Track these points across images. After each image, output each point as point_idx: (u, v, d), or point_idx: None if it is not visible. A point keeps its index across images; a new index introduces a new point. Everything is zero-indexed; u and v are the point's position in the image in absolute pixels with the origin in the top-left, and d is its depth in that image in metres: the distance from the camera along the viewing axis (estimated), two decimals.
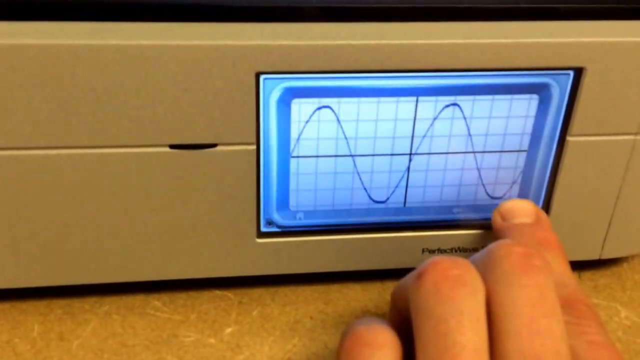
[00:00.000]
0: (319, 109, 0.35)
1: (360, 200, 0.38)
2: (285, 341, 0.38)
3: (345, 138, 0.36)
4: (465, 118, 0.36)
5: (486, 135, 0.37)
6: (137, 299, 0.40)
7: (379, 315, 0.39)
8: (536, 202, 0.39)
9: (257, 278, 0.40)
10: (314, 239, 0.38)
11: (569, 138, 0.36)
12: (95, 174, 0.34)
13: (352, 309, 0.40)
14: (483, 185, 0.38)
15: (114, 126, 0.33)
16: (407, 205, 0.38)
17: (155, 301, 0.40)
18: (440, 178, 0.38)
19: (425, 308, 0.27)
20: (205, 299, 0.40)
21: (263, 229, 0.38)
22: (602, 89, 0.35)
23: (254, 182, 0.36)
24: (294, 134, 0.35)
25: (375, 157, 0.37)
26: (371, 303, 0.40)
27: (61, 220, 0.36)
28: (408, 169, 0.37)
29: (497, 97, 0.36)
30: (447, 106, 0.36)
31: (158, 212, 0.36)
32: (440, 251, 0.39)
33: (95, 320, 0.38)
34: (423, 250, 0.39)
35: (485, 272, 0.28)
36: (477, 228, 0.39)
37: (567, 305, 0.29)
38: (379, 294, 0.41)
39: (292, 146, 0.36)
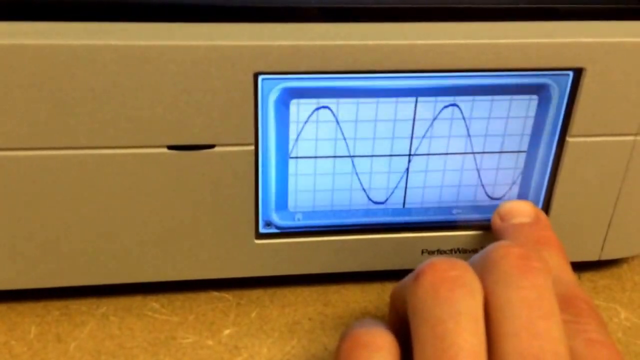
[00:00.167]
0: (317, 109, 0.35)
1: (359, 201, 0.38)
2: (284, 343, 0.37)
3: (344, 139, 0.36)
4: (464, 118, 0.36)
5: (485, 135, 0.37)
6: (135, 301, 0.39)
7: (378, 317, 0.39)
8: (536, 202, 0.39)
9: (255, 279, 0.39)
10: (313, 240, 0.38)
11: (568, 139, 0.36)
12: (93, 174, 0.34)
13: (351, 310, 0.40)
14: (482, 186, 0.38)
15: (112, 127, 0.33)
16: (406, 206, 0.38)
17: (153, 302, 0.39)
18: (439, 179, 0.38)
19: (423, 309, 0.27)
20: (204, 301, 0.40)
21: (261, 230, 0.38)
22: (601, 89, 0.35)
23: (252, 183, 0.36)
24: (292, 134, 0.35)
25: (374, 158, 0.37)
26: (370, 304, 0.40)
27: (58, 221, 0.35)
28: (407, 169, 0.37)
29: (496, 97, 0.36)
30: (447, 107, 0.35)
31: (156, 213, 0.36)
32: (440, 252, 0.39)
33: (92, 322, 0.38)
34: (422, 251, 0.39)
35: (484, 273, 0.28)
36: (476, 229, 0.39)
37: (566, 303, 0.29)
38: (378, 295, 0.41)
39: (290, 147, 0.36)
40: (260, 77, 0.33)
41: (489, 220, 0.38)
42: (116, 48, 0.31)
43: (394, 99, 0.35)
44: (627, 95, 0.35)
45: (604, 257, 0.41)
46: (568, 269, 0.33)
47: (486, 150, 0.37)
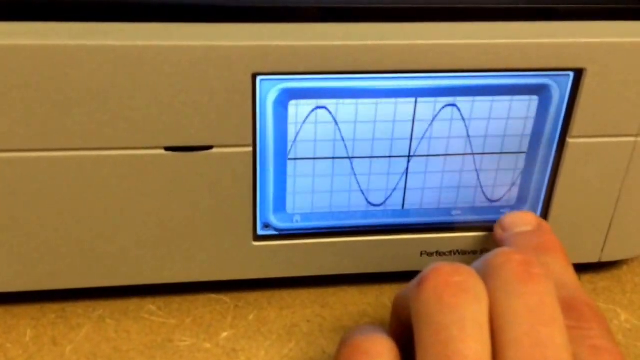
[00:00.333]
0: (315, 110, 0.35)
1: (358, 202, 0.38)
2: (282, 345, 0.37)
3: (343, 140, 0.36)
4: (464, 119, 0.36)
5: (485, 136, 0.36)
6: (132, 303, 0.39)
7: (376, 320, 0.39)
8: (535, 204, 0.38)
9: (253, 281, 0.39)
10: (311, 242, 0.38)
11: (569, 140, 0.36)
12: (89, 176, 0.34)
13: (350, 313, 0.39)
14: (482, 187, 0.38)
15: (109, 128, 0.33)
16: (405, 207, 0.38)
17: (150, 305, 0.39)
18: (438, 180, 0.37)
19: (426, 315, 0.27)
20: (201, 303, 0.39)
21: (259, 232, 0.37)
22: (602, 90, 0.35)
23: (250, 185, 0.35)
24: (290, 135, 0.35)
25: (373, 159, 0.36)
26: (369, 307, 0.40)
27: (55, 223, 0.35)
28: (406, 171, 0.37)
29: (496, 98, 0.35)
30: (446, 107, 0.35)
31: (153, 215, 0.36)
32: (439, 254, 0.39)
33: (88, 325, 0.38)
34: (421, 253, 0.39)
35: (485, 280, 0.28)
36: (476, 230, 0.39)
37: (570, 308, 0.29)
38: (377, 297, 0.40)
39: (289, 148, 0.35)
40: (258, 78, 0.33)
41: (488, 221, 0.38)
42: (113, 48, 0.31)
43: (393, 100, 0.35)
44: (627, 95, 0.35)
45: (604, 259, 0.41)
46: (571, 273, 0.32)
47: (486, 151, 0.37)
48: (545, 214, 0.39)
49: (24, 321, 0.38)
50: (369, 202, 0.38)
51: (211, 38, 0.31)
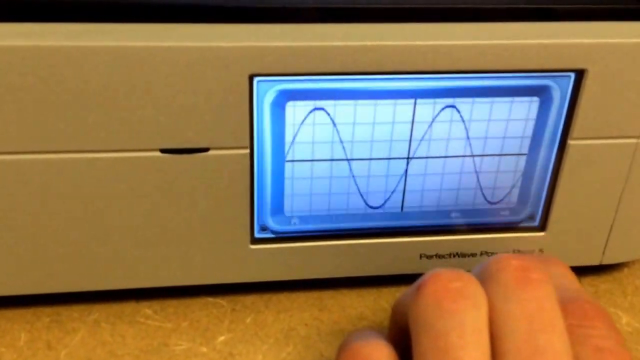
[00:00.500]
0: (313, 111, 0.34)
1: (356, 205, 0.37)
2: (279, 349, 0.37)
3: (341, 141, 0.35)
4: (464, 121, 0.35)
5: (485, 138, 0.36)
6: (127, 307, 0.39)
7: (375, 323, 0.39)
8: (536, 206, 0.38)
9: (250, 284, 0.39)
10: (309, 245, 0.38)
11: (569, 141, 0.36)
12: (84, 179, 0.34)
13: (348, 316, 0.39)
14: (482, 189, 0.38)
15: (103, 130, 0.32)
16: (404, 210, 0.38)
17: (146, 309, 0.39)
18: (438, 182, 0.37)
19: (425, 321, 0.26)
20: (197, 307, 0.39)
21: (257, 234, 0.37)
22: (603, 91, 0.34)
23: (247, 187, 0.35)
24: (288, 137, 0.35)
25: (372, 161, 0.36)
26: (367, 309, 0.40)
27: (49, 227, 0.35)
28: (405, 173, 0.37)
29: (496, 99, 0.35)
30: (446, 108, 0.35)
31: (149, 218, 0.35)
32: (438, 257, 0.39)
33: (83, 329, 0.38)
34: (421, 256, 0.39)
35: (484, 286, 0.28)
36: (475, 233, 0.39)
37: (572, 308, 0.28)
38: (375, 300, 0.40)
39: (286, 150, 0.35)
40: (255, 79, 0.32)
41: (488, 224, 0.38)
42: (107, 49, 0.30)
43: (392, 101, 0.34)
44: (629, 97, 0.35)
45: (606, 262, 0.41)
46: (572, 276, 0.32)
47: (486, 153, 0.37)
48: (545, 217, 0.38)
49: (18, 325, 0.37)
50: (367, 205, 0.37)
51: (207, 38, 0.31)
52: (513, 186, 0.38)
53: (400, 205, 0.38)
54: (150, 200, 0.35)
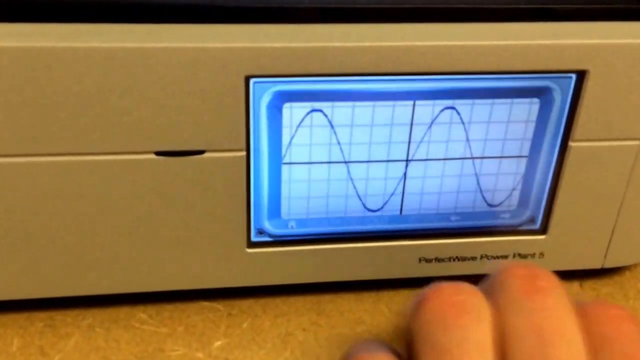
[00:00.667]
0: (311, 113, 0.34)
1: (354, 208, 0.37)
2: (276, 354, 0.37)
3: (339, 144, 0.35)
4: (463, 123, 0.35)
5: (485, 140, 0.36)
6: (122, 311, 0.38)
7: (373, 327, 0.38)
8: (537, 209, 0.38)
9: (247, 289, 0.38)
10: (307, 249, 0.37)
11: (571, 143, 0.36)
12: (77, 182, 0.33)
13: (346, 320, 0.39)
14: (482, 192, 0.37)
15: (97, 132, 0.32)
16: (403, 213, 0.38)
17: (141, 313, 0.38)
18: (437, 185, 0.37)
19: (427, 337, 0.26)
20: (193, 311, 0.39)
21: (253, 238, 0.37)
22: (605, 92, 0.34)
23: (243, 190, 0.35)
24: (285, 139, 0.35)
25: (370, 164, 0.36)
26: (366, 314, 0.39)
27: (41, 230, 0.34)
28: (404, 175, 0.36)
29: (496, 101, 0.35)
30: (445, 110, 0.35)
31: (143, 222, 0.35)
32: (438, 260, 0.38)
33: (77, 334, 0.37)
34: (420, 260, 0.38)
35: (492, 298, 0.27)
36: (475, 236, 0.38)
37: (594, 311, 0.27)
38: (374, 304, 0.40)
39: (283, 152, 0.35)
40: (251, 80, 0.32)
41: (488, 227, 0.38)
42: (101, 50, 0.30)
43: (390, 103, 0.34)
44: (632, 98, 0.34)
45: (607, 265, 0.40)
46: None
47: (486, 155, 0.36)
48: (546, 220, 0.38)
49: (11, 330, 0.37)
50: (366, 208, 0.37)
51: (202, 39, 0.31)
52: (513, 189, 0.37)
53: (399, 208, 0.37)
54: (144, 204, 0.34)
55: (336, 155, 0.35)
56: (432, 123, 0.35)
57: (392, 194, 0.37)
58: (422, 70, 0.33)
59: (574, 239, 0.39)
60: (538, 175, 0.37)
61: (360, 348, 0.28)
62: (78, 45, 0.30)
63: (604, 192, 0.37)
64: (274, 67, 0.31)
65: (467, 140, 0.36)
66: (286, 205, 0.36)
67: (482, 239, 0.38)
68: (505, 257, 0.39)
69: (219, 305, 0.39)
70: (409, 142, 0.35)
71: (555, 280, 0.27)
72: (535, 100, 0.35)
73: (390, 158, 0.36)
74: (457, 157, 0.36)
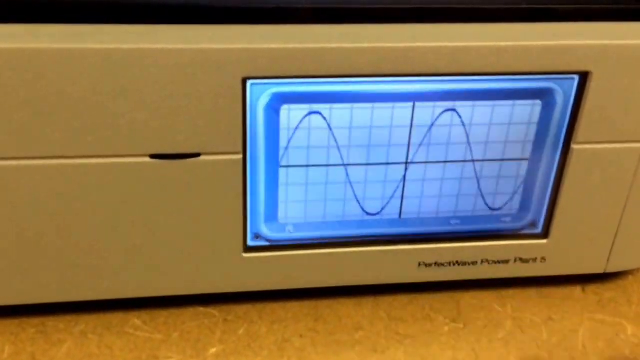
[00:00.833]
0: (309, 115, 0.34)
1: (353, 211, 0.37)
2: None
3: (337, 146, 0.35)
4: (464, 125, 0.35)
5: (486, 142, 0.36)
6: (115, 317, 0.38)
7: (372, 334, 0.38)
8: (538, 213, 0.38)
9: (243, 294, 0.38)
10: (305, 253, 0.37)
11: (573, 146, 0.35)
12: (70, 185, 0.33)
13: (344, 326, 0.38)
14: (483, 195, 0.37)
15: (91, 135, 0.32)
16: (402, 217, 0.37)
17: (135, 319, 0.38)
18: (437, 188, 0.37)
19: None
20: (188, 317, 0.38)
21: (250, 242, 0.37)
22: (608, 94, 0.34)
23: (240, 194, 0.34)
24: (282, 142, 0.34)
25: (369, 167, 0.36)
26: (364, 319, 0.39)
27: (35, 235, 0.34)
28: (404, 178, 0.36)
29: (498, 102, 0.35)
30: (445, 112, 0.35)
31: (138, 226, 0.35)
32: (437, 265, 0.38)
33: (70, 341, 0.37)
34: (419, 264, 0.38)
35: None
36: (476, 240, 0.38)
37: None
38: (373, 310, 0.39)
39: (280, 155, 0.35)
40: (248, 82, 0.32)
41: (489, 231, 0.38)
42: (95, 52, 0.30)
43: (390, 104, 0.34)
44: (635, 100, 0.34)
45: (610, 270, 0.40)
46: None
47: (487, 158, 0.36)
48: (548, 223, 0.38)
49: (2, 337, 0.37)
50: (364, 211, 0.37)
51: (199, 41, 0.30)
52: (515, 192, 0.37)
53: (398, 212, 0.37)
54: (139, 208, 0.34)
55: (334, 158, 0.35)
56: (432, 125, 0.35)
57: (391, 198, 0.37)
58: (422, 72, 0.32)
59: (577, 243, 0.39)
60: (540, 178, 0.37)
61: None
62: (71, 46, 0.30)
63: (606, 195, 0.37)
64: (271, 69, 0.31)
65: (468, 142, 0.35)
66: (283, 209, 0.36)
67: (483, 243, 0.38)
68: (507, 262, 0.38)
69: (215, 311, 0.39)
70: (409, 144, 0.35)
71: None
72: (537, 102, 0.35)
73: (390, 161, 0.35)
74: (458, 159, 0.36)
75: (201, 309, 0.39)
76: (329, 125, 0.34)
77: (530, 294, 0.40)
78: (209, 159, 0.33)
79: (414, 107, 0.34)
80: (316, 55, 0.31)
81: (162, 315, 0.38)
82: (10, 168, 0.32)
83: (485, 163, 0.36)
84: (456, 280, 0.39)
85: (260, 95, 0.33)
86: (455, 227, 0.38)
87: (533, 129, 0.35)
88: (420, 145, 0.35)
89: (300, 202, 0.36)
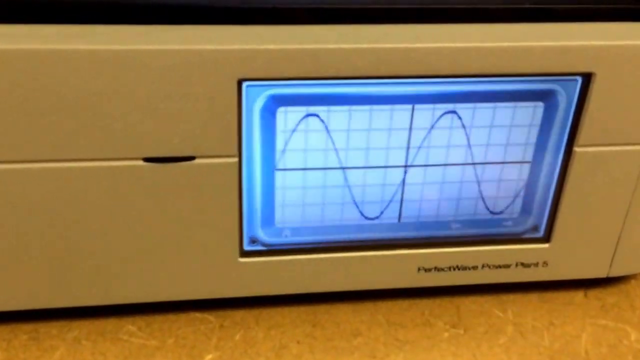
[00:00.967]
0: (306, 117, 0.34)
1: (351, 215, 0.37)
2: None
3: (335, 149, 0.35)
4: (464, 127, 0.35)
5: (487, 145, 0.35)
6: (110, 323, 0.38)
7: (371, 339, 0.37)
8: (540, 216, 0.37)
9: (239, 299, 0.38)
10: (302, 258, 0.37)
11: (576, 148, 0.35)
12: (63, 189, 0.33)
13: (342, 332, 0.38)
14: (483, 199, 0.37)
15: (84, 138, 0.31)
16: (401, 220, 0.37)
17: (129, 325, 0.38)
18: (437, 191, 0.36)
19: None
20: (184, 322, 0.38)
21: (246, 247, 0.36)
22: (612, 96, 0.34)
23: (235, 197, 0.34)
24: (279, 145, 0.34)
25: (368, 170, 0.35)
26: (363, 325, 0.38)
27: (26, 239, 0.34)
28: (403, 182, 0.36)
29: (499, 104, 0.34)
30: (445, 114, 0.34)
31: (132, 231, 0.34)
32: (437, 270, 0.38)
33: (62, 347, 0.36)
34: (419, 269, 0.38)
35: None
36: (476, 245, 0.38)
37: None
38: (371, 315, 0.39)
39: (277, 158, 0.34)
40: (244, 84, 0.32)
41: (490, 235, 0.37)
42: (88, 52, 0.29)
43: (388, 107, 0.34)
44: (638, 102, 0.34)
45: (613, 274, 0.40)
46: None
47: (488, 160, 0.36)
48: (550, 227, 0.37)
49: None
50: (363, 215, 0.37)
51: (193, 41, 0.30)
52: (516, 195, 0.37)
53: (397, 215, 0.37)
54: (133, 212, 0.34)
55: (332, 161, 0.35)
56: (432, 127, 0.34)
57: (390, 201, 0.36)
58: (422, 73, 0.32)
59: (579, 247, 0.38)
60: (542, 182, 0.37)
61: None
62: (64, 47, 0.29)
63: (609, 199, 0.37)
64: (267, 70, 0.31)
65: (469, 145, 0.35)
66: (280, 212, 0.36)
67: (484, 247, 0.38)
68: (508, 266, 0.38)
69: (211, 317, 0.38)
70: (408, 147, 0.35)
71: None
72: (539, 103, 0.35)
73: (389, 164, 0.35)
74: (458, 162, 0.36)
75: (197, 315, 0.38)
76: (326, 127, 0.34)
77: (531, 298, 0.40)
78: (204, 162, 0.33)
79: (413, 109, 0.34)
80: (313, 57, 0.31)
81: (157, 321, 0.38)
82: (1, 172, 0.32)
83: (486, 166, 0.36)
84: (456, 285, 0.39)
85: (257, 97, 0.32)
86: (455, 231, 0.38)
87: (535, 131, 0.35)
88: (419, 148, 0.35)
89: (298, 206, 0.36)
